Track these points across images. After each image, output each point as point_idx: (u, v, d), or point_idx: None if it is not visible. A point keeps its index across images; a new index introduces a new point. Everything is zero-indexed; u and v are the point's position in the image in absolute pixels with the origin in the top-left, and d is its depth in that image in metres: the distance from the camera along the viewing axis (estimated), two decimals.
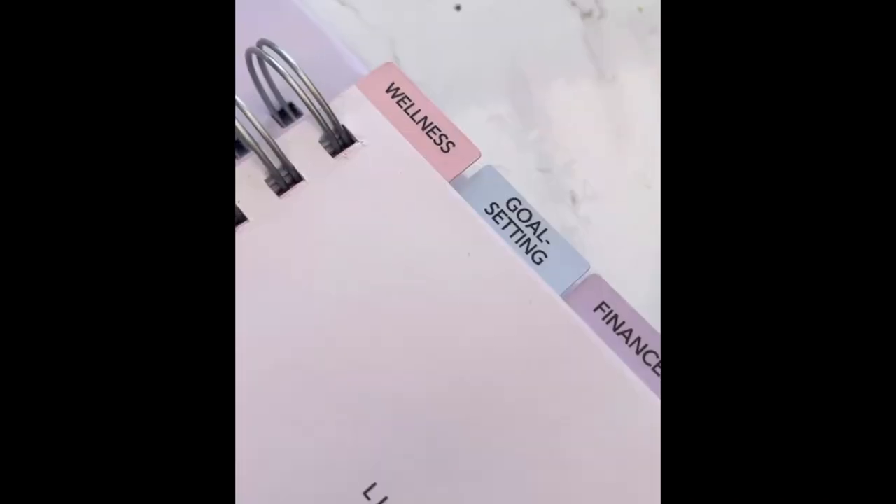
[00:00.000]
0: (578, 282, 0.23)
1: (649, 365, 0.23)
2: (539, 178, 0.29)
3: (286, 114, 0.26)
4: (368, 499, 0.20)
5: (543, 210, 0.28)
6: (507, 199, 0.24)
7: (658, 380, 0.22)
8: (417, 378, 0.22)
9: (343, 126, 0.24)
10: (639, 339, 0.23)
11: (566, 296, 0.23)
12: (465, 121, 0.27)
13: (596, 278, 0.23)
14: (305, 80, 0.23)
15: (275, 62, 0.23)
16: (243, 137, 0.22)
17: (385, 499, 0.20)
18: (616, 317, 0.23)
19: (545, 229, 0.24)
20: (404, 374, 0.22)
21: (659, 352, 0.23)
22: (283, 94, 0.26)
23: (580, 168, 0.29)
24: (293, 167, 0.23)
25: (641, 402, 0.22)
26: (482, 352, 0.22)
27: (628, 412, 0.22)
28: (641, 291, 0.27)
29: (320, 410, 0.21)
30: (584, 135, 0.29)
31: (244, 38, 0.23)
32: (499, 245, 0.23)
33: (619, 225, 0.28)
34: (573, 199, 0.28)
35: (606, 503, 0.21)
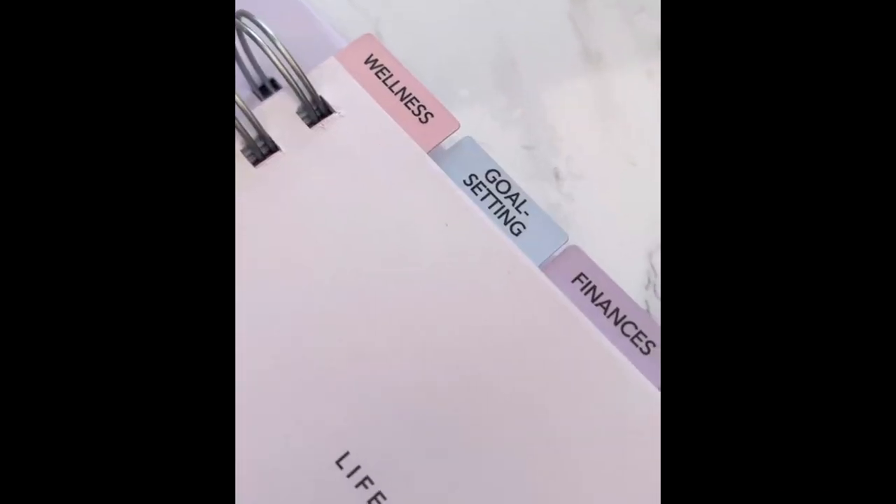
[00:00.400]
0: (557, 253, 0.23)
1: (627, 336, 0.22)
2: (523, 156, 0.29)
3: (267, 90, 0.26)
4: (341, 468, 0.20)
5: (528, 187, 0.28)
6: (486, 171, 0.24)
7: (636, 350, 0.22)
8: (393, 346, 0.21)
9: (321, 97, 0.24)
10: (617, 309, 0.23)
11: (544, 266, 0.23)
12: (450, 98, 0.27)
13: (574, 249, 0.23)
14: (283, 50, 0.22)
15: (252, 33, 0.22)
16: None
17: (357, 468, 0.20)
18: (594, 288, 0.23)
19: (524, 201, 0.24)
20: (380, 341, 0.21)
21: (637, 323, 0.23)
22: (264, 70, 0.26)
23: (565, 146, 0.29)
24: (270, 137, 0.23)
25: (619, 372, 0.21)
26: (459, 321, 0.22)
27: (605, 381, 0.21)
28: (625, 267, 0.27)
29: (297, 382, 0.21)
30: (570, 113, 0.29)
31: None
32: (477, 216, 0.23)
33: (604, 202, 0.28)
34: (557, 176, 0.28)
35: (583, 471, 0.21)
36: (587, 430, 0.21)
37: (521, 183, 0.25)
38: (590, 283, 0.23)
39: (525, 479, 0.20)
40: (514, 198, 0.24)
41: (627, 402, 0.21)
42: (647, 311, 0.27)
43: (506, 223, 0.23)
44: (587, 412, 0.21)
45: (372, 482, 0.20)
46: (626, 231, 0.28)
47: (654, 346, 0.22)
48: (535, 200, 0.24)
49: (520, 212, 0.23)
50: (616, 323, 0.22)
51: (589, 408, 0.21)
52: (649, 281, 0.27)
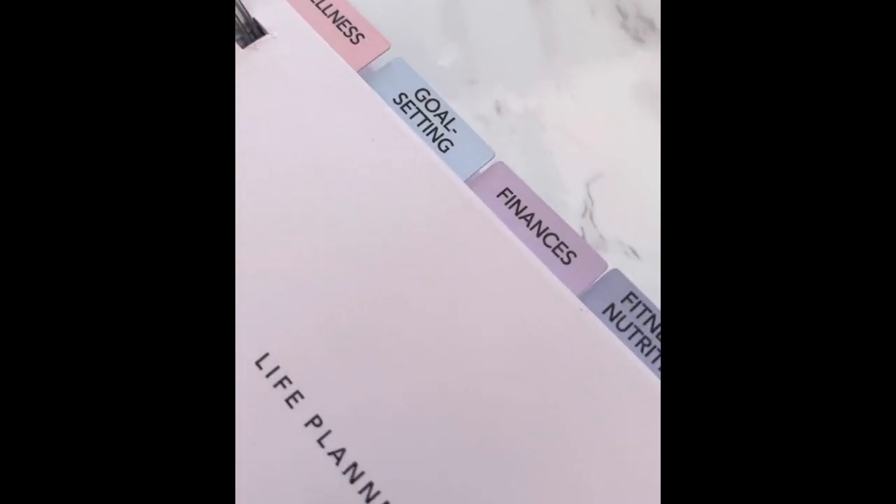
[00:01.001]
0: (483, 169, 0.24)
1: (549, 247, 0.23)
2: (465, 91, 0.29)
3: None
4: (259, 367, 0.21)
5: (469, 121, 0.28)
6: (415, 90, 0.24)
7: (557, 260, 0.23)
8: (318, 256, 0.22)
9: (254, 19, 0.24)
10: (540, 222, 0.23)
11: (470, 182, 0.23)
12: (396, 38, 0.27)
13: (501, 166, 0.24)
14: None
15: None
16: None
17: (281, 373, 0.21)
18: (518, 202, 0.23)
19: (453, 118, 0.24)
20: (304, 252, 0.22)
21: (559, 234, 0.23)
22: None
23: (507, 80, 0.29)
24: None
25: (538, 278, 0.22)
26: (381, 231, 0.22)
27: (524, 288, 0.22)
28: (562, 195, 0.27)
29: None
30: (513, 48, 0.30)
31: None
32: (404, 132, 0.23)
33: (544, 133, 0.28)
34: (498, 110, 0.29)
35: (500, 370, 0.21)
36: (506, 335, 0.21)
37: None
38: (514, 197, 0.23)
39: (428, 359, 0.21)
40: (442, 116, 0.24)
41: (545, 307, 0.21)
42: (583, 237, 0.27)
43: (434, 140, 0.24)
44: (505, 318, 0.21)
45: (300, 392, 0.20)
46: (564, 160, 0.28)
47: (575, 256, 0.23)
48: (465, 120, 0.24)
49: (448, 129, 0.24)
50: (538, 234, 0.23)
51: (507, 313, 0.21)
52: (586, 209, 0.28)
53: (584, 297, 0.22)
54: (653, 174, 0.28)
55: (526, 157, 0.28)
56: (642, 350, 0.22)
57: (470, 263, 0.22)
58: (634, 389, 0.21)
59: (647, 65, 0.29)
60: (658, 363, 0.22)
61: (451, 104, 0.25)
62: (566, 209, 0.27)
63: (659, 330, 0.22)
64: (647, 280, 0.25)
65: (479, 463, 0.20)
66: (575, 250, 0.23)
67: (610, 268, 0.23)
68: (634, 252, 0.27)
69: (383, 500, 0.20)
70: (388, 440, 0.20)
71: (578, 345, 0.21)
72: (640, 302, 0.22)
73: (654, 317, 0.22)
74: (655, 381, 0.21)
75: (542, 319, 0.21)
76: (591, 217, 0.27)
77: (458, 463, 0.20)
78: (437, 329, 0.21)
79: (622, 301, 0.22)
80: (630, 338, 0.22)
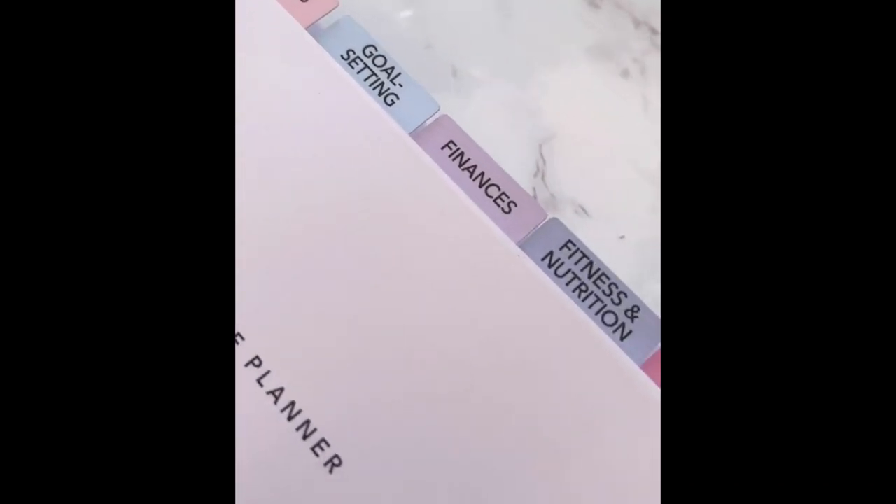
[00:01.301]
0: (429, 122, 0.24)
1: (491, 197, 0.23)
2: (422, 55, 0.29)
3: None
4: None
5: (426, 86, 0.28)
6: (363, 46, 0.25)
7: (498, 209, 0.23)
8: (261, 204, 0.22)
9: None
10: (482, 173, 0.23)
11: (415, 134, 0.24)
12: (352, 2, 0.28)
13: (446, 118, 0.24)
14: None
15: None
16: None
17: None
18: (462, 154, 0.24)
19: (399, 73, 0.24)
20: (247, 203, 0.22)
21: (501, 185, 0.23)
22: None
23: (464, 44, 0.29)
24: None
25: (476, 225, 0.22)
26: (327, 182, 0.23)
27: (462, 233, 0.22)
28: (514, 155, 0.28)
29: None
30: (469, 13, 0.30)
31: None
32: (349, 85, 0.24)
33: (498, 95, 0.29)
34: (454, 74, 0.29)
35: (443, 313, 0.21)
36: (444, 280, 0.22)
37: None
38: (458, 149, 0.24)
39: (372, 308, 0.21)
40: (389, 71, 0.24)
41: (483, 253, 0.22)
42: (535, 197, 0.27)
43: (380, 94, 0.24)
44: (444, 263, 0.22)
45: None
46: (518, 122, 0.28)
47: (516, 205, 0.23)
48: (411, 76, 0.25)
49: (394, 84, 0.24)
50: (481, 185, 0.23)
51: (446, 259, 0.22)
52: (538, 169, 0.28)
53: (523, 245, 0.23)
54: (605, 135, 0.28)
55: (480, 120, 0.28)
56: (580, 296, 0.22)
57: (411, 211, 0.22)
58: (570, 332, 0.21)
59: (601, 28, 0.30)
60: (594, 308, 0.22)
61: (407, 69, 0.25)
62: (518, 170, 0.28)
63: (596, 276, 0.22)
64: (597, 237, 0.26)
65: (415, 403, 0.21)
66: (516, 200, 0.23)
67: (550, 216, 0.23)
68: (584, 210, 0.27)
69: (319, 437, 0.20)
70: (325, 382, 0.21)
71: (516, 289, 0.22)
72: (578, 249, 0.22)
73: (591, 263, 0.22)
74: (591, 325, 0.21)
75: (480, 265, 0.22)
76: (543, 177, 0.28)
77: (396, 406, 0.21)
78: (377, 273, 0.22)
79: (560, 248, 0.22)
80: (568, 284, 0.22)
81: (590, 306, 0.22)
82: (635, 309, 0.22)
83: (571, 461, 0.20)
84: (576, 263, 0.22)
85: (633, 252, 0.27)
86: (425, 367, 0.21)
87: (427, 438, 0.20)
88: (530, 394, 0.21)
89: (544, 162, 0.28)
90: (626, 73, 0.29)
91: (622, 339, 0.22)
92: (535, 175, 0.28)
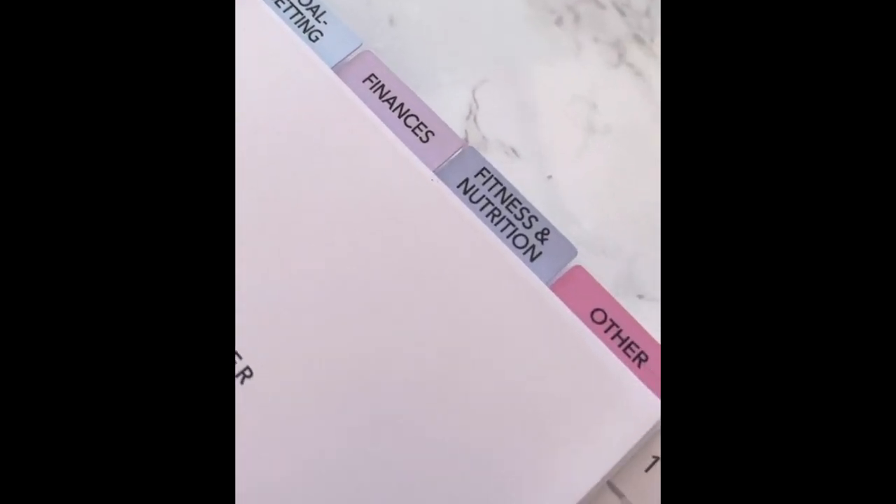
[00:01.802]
0: (351, 57, 0.25)
1: (409, 127, 0.24)
2: (357, 5, 0.30)
3: None
4: None
5: (361, 34, 0.29)
6: None
7: (416, 138, 0.23)
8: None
9: None
10: (402, 104, 0.24)
11: (337, 68, 0.24)
12: None
13: (368, 54, 0.25)
14: None
15: None
16: None
17: None
18: (382, 86, 0.24)
19: (324, 12, 0.25)
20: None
21: (419, 115, 0.24)
22: None
23: None
24: None
25: (390, 149, 0.23)
26: (251, 115, 0.23)
27: (378, 158, 0.23)
28: (447, 98, 0.28)
29: None
30: None
31: None
32: (273, 21, 0.24)
33: (432, 41, 0.29)
34: (391, 22, 0.30)
35: (357, 237, 0.22)
36: (360, 204, 0.22)
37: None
38: (379, 82, 0.24)
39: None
40: (315, 9, 0.25)
41: (398, 178, 0.22)
42: (466, 139, 0.28)
43: (305, 31, 0.25)
44: (360, 188, 0.22)
45: None
46: (451, 66, 0.29)
47: (433, 135, 0.23)
48: (337, 15, 0.25)
49: (319, 21, 0.25)
50: (400, 116, 0.24)
51: (362, 184, 0.22)
52: (470, 112, 0.28)
53: (440, 172, 0.23)
54: (537, 80, 0.29)
55: (413, 65, 0.29)
56: (493, 220, 0.23)
57: (329, 140, 0.23)
58: (481, 254, 0.22)
59: None
60: (506, 232, 0.22)
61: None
62: (451, 112, 0.28)
63: (509, 201, 0.23)
64: (526, 177, 0.26)
65: (329, 319, 0.21)
66: (433, 130, 0.24)
67: (468, 145, 0.23)
68: (515, 151, 0.28)
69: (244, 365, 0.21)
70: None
71: (429, 214, 0.22)
72: (492, 176, 0.23)
73: (504, 189, 0.23)
74: (502, 247, 0.22)
75: (395, 190, 0.22)
76: (475, 119, 0.28)
77: (307, 321, 0.21)
78: (294, 195, 0.22)
79: (475, 175, 0.23)
80: (482, 209, 0.23)
81: (502, 230, 0.22)
82: (545, 232, 0.22)
83: (480, 372, 0.20)
84: (489, 189, 0.23)
85: (561, 191, 0.27)
86: (339, 282, 0.21)
87: (338, 350, 0.21)
88: (442, 312, 0.21)
89: (477, 105, 0.29)
90: (560, 21, 0.30)
91: (532, 259, 0.22)
92: (468, 118, 0.28)
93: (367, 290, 0.21)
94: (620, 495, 0.21)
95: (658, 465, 0.20)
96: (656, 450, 0.20)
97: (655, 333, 0.23)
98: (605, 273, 0.25)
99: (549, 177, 0.27)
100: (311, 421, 0.20)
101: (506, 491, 0.19)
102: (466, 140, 0.28)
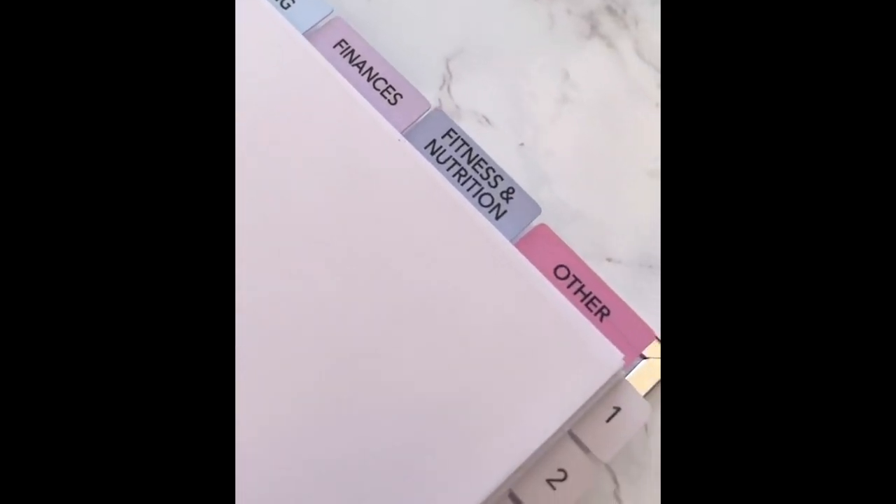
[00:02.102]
0: (321, 24, 0.25)
1: (378, 90, 0.24)
2: None
3: None
4: None
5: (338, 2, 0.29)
6: None
7: (384, 101, 0.24)
8: None
9: None
10: (371, 68, 0.24)
11: (309, 34, 0.25)
12: None
13: (338, 20, 0.25)
14: None
15: None
16: None
17: None
18: (352, 51, 0.24)
19: None
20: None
21: (388, 79, 0.24)
22: None
23: None
24: None
25: (359, 111, 0.23)
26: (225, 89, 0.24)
27: (346, 121, 0.23)
28: (420, 67, 0.29)
29: None
30: None
31: None
32: None
33: (409, 15, 0.30)
34: None
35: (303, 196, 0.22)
36: (330, 166, 0.23)
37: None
38: (349, 48, 0.25)
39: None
40: None
41: (366, 140, 0.23)
42: (440, 107, 0.28)
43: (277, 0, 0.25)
44: (329, 150, 0.23)
45: None
46: (427, 37, 0.29)
47: (401, 97, 0.24)
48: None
49: None
50: (369, 80, 0.24)
51: (331, 145, 0.23)
52: (444, 82, 0.29)
53: (408, 134, 0.23)
54: (510, 51, 0.29)
55: (389, 35, 0.29)
56: (459, 180, 0.23)
57: (299, 102, 0.23)
58: (446, 212, 0.22)
59: None
60: (472, 191, 0.23)
61: None
62: (426, 82, 0.29)
63: (475, 161, 0.23)
64: (498, 144, 0.27)
65: (297, 275, 0.21)
66: (402, 92, 0.24)
67: (433, 108, 0.24)
68: (487, 120, 0.28)
69: None
70: None
71: (396, 174, 0.22)
72: (459, 137, 0.23)
73: (470, 150, 0.23)
74: (468, 205, 0.22)
75: (363, 151, 0.23)
76: (449, 89, 0.29)
77: (278, 281, 0.22)
78: (266, 156, 0.23)
79: (443, 137, 0.23)
80: (448, 169, 0.23)
81: (468, 189, 0.23)
82: (510, 191, 0.23)
83: (446, 324, 0.21)
84: (456, 150, 0.23)
85: (533, 158, 0.28)
86: (306, 240, 0.22)
87: (308, 304, 0.21)
88: (410, 268, 0.22)
89: (451, 76, 0.29)
90: None
91: (497, 218, 0.22)
92: (441, 87, 0.29)
93: (333, 245, 0.22)
94: (586, 450, 0.21)
95: (620, 414, 0.21)
96: (617, 401, 0.21)
97: (622, 293, 0.23)
98: (575, 237, 0.25)
99: (521, 144, 0.28)
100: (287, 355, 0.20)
101: (470, 437, 0.20)
102: (441, 108, 0.28)
